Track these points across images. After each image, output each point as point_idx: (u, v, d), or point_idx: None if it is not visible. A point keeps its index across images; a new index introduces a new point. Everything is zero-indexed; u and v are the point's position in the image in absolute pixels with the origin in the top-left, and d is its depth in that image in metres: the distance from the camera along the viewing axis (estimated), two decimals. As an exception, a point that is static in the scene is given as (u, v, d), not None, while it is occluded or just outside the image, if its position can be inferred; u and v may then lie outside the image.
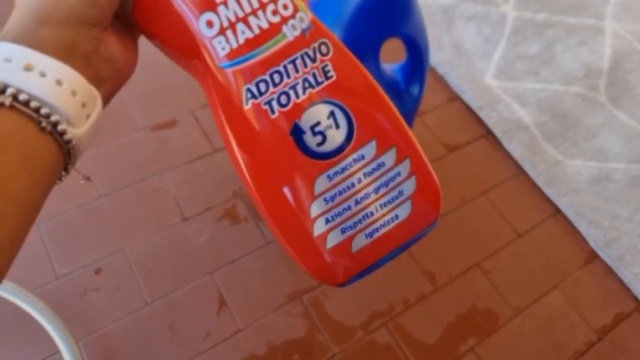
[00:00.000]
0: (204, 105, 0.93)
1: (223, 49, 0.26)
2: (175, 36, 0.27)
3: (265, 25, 0.27)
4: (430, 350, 0.77)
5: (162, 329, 0.73)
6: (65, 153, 0.24)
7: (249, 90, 0.27)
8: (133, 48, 0.28)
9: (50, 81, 0.22)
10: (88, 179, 0.29)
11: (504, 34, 1.14)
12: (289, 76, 0.27)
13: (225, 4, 0.26)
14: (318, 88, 0.27)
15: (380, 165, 0.28)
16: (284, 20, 0.27)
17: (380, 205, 0.29)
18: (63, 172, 0.25)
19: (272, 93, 0.27)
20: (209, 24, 0.26)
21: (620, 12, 1.22)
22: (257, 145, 0.27)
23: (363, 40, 0.61)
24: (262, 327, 0.75)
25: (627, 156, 1.00)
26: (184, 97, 0.93)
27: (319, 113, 0.27)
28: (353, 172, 0.28)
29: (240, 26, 0.26)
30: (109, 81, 0.26)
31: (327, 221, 0.28)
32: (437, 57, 1.08)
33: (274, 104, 0.27)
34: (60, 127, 0.23)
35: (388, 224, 0.29)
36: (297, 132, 0.27)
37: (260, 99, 0.27)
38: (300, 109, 0.27)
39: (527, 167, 0.97)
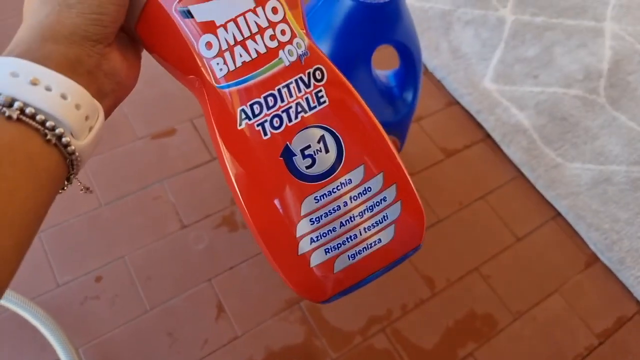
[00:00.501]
0: (202, 114, 0.93)
1: (221, 70, 0.27)
2: (176, 53, 0.28)
3: (262, 50, 0.27)
4: (428, 356, 0.77)
5: (160, 336, 0.73)
6: (69, 164, 0.25)
7: (243, 111, 0.28)
8: (135, 63, 0.29)
9: (56, 95, 0.23)
10: (88, 189, 0.30)
11: (502, 37, 1.14)
12: (283, 100, 0.28)
13: (225, 27, 0.27)
14: (310, 113, 0.28)
15: (366, 190, 0.29)
16: (282, 45, 0.28)
17: (365, 229, 0.30)
18: (66, 182, 0.26)
19: (266, 116, 0.28)
20: (209, 45, 0.27)
21: (620, 13, 1.22)
22: (248, 164, 0.28)
23: (354, 48, 0.62)
24: (260, 333, 0.75)
25: (628, 158, 0.99)
26: (183, 106, 0.94)
27: (310, 137, 0.28)
28: (340, 196, 0.29)
29: (238, 49, 0.27)
30: (111, 95, 0.27)
31: (312, 241, 0.29)
32: (435, 61, 1.08)
33: (267, 126, 0.28)
34: (64, 139, 0.24)
35: (371, 247, 0.30)
36: (287, 154, 0.28)
37: (254, 120, 0.28)
38: (292, 132, 0.28)
39: (526, 171, 0.97)
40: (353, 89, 0.29)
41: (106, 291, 0.76)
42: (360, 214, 0.29)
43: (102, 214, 0.82)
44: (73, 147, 0.24)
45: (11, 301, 0.69)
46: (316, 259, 0.29)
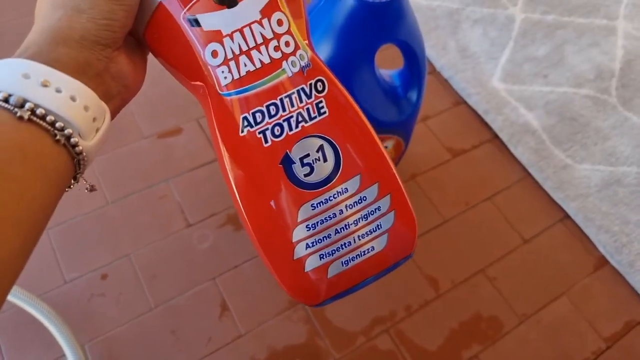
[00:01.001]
0: (209, 113, 0.94)
1: (225, 78, 0.28)
2: (182, 60, 0.29)
3: (267, 60, 0.28)
4: (432, 357, 0.76)
5: (165, 334, 0.74)
6: (76, 163, 0.26)
7: (245, 118, 0.28)
8: (142, 66, 0.30)
9: (65, 97, 0.24)
10: (93, 187, 0.30)
11: (512, 36, 1.13)
12: (284, 109, 0.29)
13: (231, 37, 0.28)
14: (311, 123, 0.29)
15: (362, 199, 0.30)
16: (285, 57, 0.28)
17: (359, 237, 0.31)
18: (72, 181, 0.27)
19: (268, 124, 0.29)
20: (215, 54, 0.28)
21: (633, 12, 1.20)
22: (248, 170, 0.29)
23: (357, 47, 0.61)
24: (263, 332, 0.75)
25: (639, 159, 0.97)
26: (189, 106, 0.95)
27: (309, 146, 0.29)
28: (336, 204, 0.30)
29: (243, 59, 0.28)
30: (117, 97, 0.28)
31: (308, 246, 0.30)
32: (442, 60, 1.07)
33: (268, 134, 0.29)
34: (73, 140, 0.25)
35: (364, 255, 0.31)
36: (287, 162, 0.29)
37: (255, 128, 0.29)
38: (292, 140, 0.29)
39: (534, 172, 0.96)
40: (352, 101, 0.30)
41: (112, 289, 0.76)
42: (355, 222, 0.30)
43: (108, 212, 0.83)
44: (81, 148, 0.25)
45: (18, 297, 0.70)
46: (311, 264, 0.30)
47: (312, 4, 0.62)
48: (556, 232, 0.91)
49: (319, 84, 0.29)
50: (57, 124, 0.24)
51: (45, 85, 0.24)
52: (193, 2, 0.27)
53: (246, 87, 0.28)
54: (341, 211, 0.30)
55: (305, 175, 0.29)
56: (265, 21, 0.28)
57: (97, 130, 0.26)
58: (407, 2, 0.60)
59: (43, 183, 0.24)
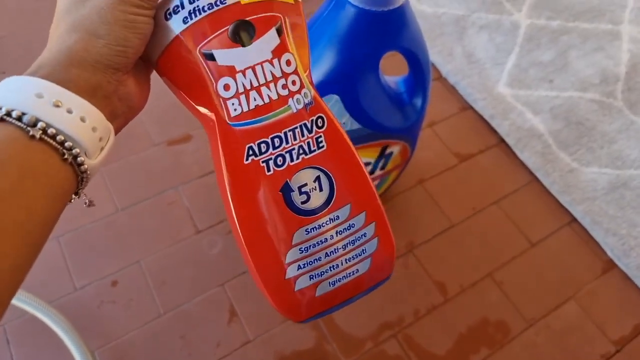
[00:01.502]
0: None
1: (235, 110, 0.30)
2: (193, 87, 0.30)
3: (274, 97, 0.30)
4: (440, 362, 0.77)
5: (174, 339, 0.75)
6: (79, 180, 0.27)
7: (251, 148, 0.30)
8: (146, 86, 0.31)
9: (76, 118, 0.25)
10: (91, 202, 0.32)
11: (517, 41, 1.13)
12: (287, 142, 0.31)
13: (243, 73, 0.30)
14: (310, 155, 0.31)
15: (350, 226, 0.33)
16: (292, 94, 0.31)
17: (346, 260, 0.33)
18: (73, 196, 0.28)
19: (271, 154, 0.31)
20: (227, 87, 0.30)
21: (638, 16, 1.20)
22: (250, 195, 0.31)
23: (361, 55, 0.62)
24: (271, 338, 0.76)
25: (646, 163, 0.97)
26: (198, 113, 0.96)
27: (307, 176, 0.31)
28: (327, 230, 0.32)
29: (253, 94, 0.30)
30: (122, 117, 0.29)
31: (299, 267, 0.32)
32: (448, 66, 1.08)
33: (271, 163, 0.31)
34: (79, 159, 0.26)
35: (349, 276, 0.34)
36: (286, 190, 0.31)
37: (259, 157, 0.31)
38: (292, 170, 0.31)
39: (540, 175, 0.96)
40: (347, 137, 0.33)
41: (122, 295, 0.77)
42: (344, 246, 0.33)
43: (118, 219, 0.84)
44: (86, 166, 0.26)
45: (29, 304, 0.71)
46: (301, 283, 0.32)
47: (317, 13, 0.63)
48: (563, 236, 0.91)
49: (320, 120, 0.32)
50: (67, 144, 0.25)
51: (57, 105, 0.25)
52: (210, 37, 0.29)
53: (254, 119, 0.30)
54: (332, 236, 0.32)
55: (302, 203, 0.31)
56: (275, 61, 0.30)
57: (102, 149, 0.28)
58: (410, 10, 0.60)
59: (48, 199, 0.25)
